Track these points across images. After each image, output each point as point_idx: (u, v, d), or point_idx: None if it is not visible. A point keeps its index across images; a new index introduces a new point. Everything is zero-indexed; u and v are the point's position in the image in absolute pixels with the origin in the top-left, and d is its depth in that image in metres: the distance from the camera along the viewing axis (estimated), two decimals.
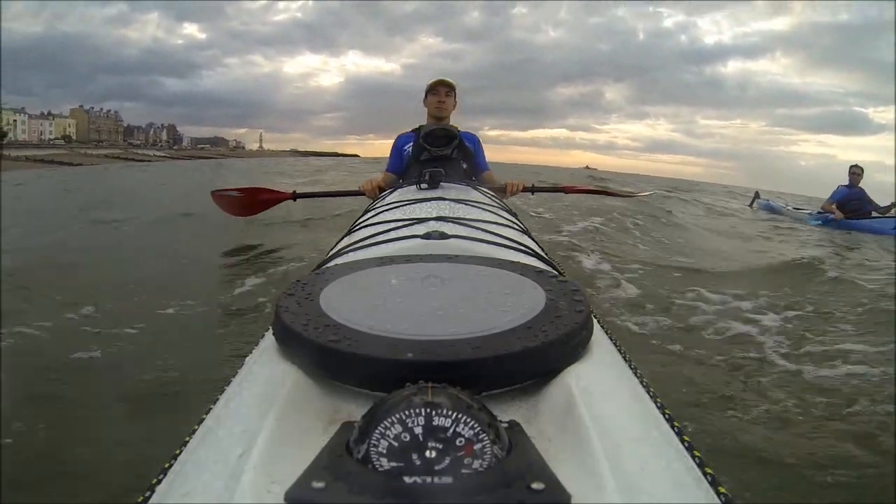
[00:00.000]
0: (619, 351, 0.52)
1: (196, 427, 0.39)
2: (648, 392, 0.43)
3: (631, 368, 0.48)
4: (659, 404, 0.41)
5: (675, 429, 0.37)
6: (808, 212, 6.77)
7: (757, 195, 8.98)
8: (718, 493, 0.31)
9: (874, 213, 5.77)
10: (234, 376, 0.45)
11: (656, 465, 0.30)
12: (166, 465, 0.36)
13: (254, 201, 3.33)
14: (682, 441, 0.36)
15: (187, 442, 0.37)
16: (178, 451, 0.37)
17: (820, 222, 6.09)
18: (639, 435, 0.32)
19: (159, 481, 0.34)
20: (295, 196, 2.98)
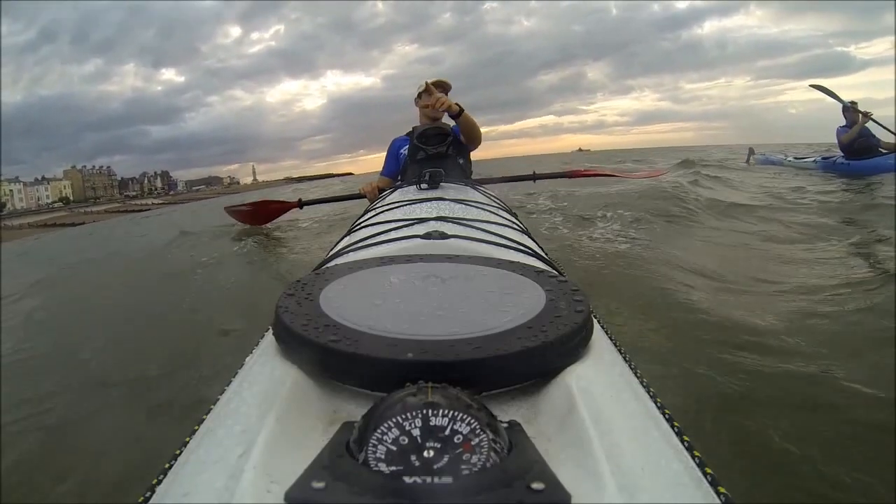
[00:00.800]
0: (619, 351, 0.52)
1: (196, 427, 0.39)
2: (648, 392, 0.43)
3: (631, 368, 0.48)
4: (659, 404, 0.41)
5: (675, 429, 0.37)
6: (813, 159, 6.51)
7: (752, 151, 8.78)
8: (718, 493, 0.31)
9: (881, 150, 5.31)
10: (233, 376, 0.45)
11: (656, 465, 0.30)
12: (166, 465, 0.36)
13: (263, 211, 3.65)
14: (682, 441, 0.36)
15: (187, 442, 0.37)
16: (178, 451, 0.37)
17: (826, 167, 5.83)
18: (639, 435, 0.32)
19: (159, 481, 0.34)
20: (301, 204, 3.19)
